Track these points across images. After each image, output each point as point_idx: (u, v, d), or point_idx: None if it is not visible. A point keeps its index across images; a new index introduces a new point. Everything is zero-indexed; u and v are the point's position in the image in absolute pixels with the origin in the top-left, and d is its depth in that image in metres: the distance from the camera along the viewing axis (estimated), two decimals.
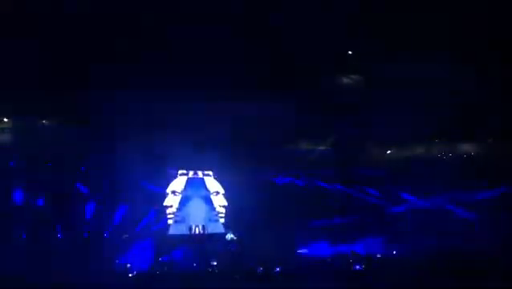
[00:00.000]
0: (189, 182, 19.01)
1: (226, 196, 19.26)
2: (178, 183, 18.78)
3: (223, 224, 19.01)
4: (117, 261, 14.46)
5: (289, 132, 18.62)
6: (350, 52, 16.18)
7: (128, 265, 14.17)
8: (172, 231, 18.12)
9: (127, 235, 15.79)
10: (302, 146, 20.50)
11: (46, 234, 14.45)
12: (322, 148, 20.52)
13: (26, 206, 14.59)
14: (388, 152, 21.64)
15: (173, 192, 18.58)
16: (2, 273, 10.81)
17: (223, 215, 19.14)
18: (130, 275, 13.74)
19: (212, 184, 19.35)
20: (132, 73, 13.51)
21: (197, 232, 18.51)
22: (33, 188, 14.76)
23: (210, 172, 19.42)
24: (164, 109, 15.44)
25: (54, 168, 15.13)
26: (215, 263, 15.71)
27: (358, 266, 15.42)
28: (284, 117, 17.10)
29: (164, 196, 18.20)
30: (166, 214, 18.14)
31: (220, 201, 19.29)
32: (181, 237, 18.06)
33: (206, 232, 18.66)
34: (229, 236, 18.38)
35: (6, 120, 15.29)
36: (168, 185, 18.20)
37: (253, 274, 13.34)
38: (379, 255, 16.85)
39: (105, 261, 13.87)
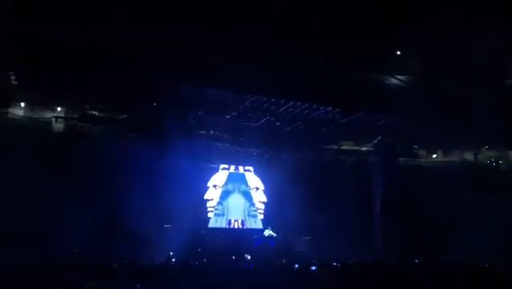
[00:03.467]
0: (230, 177, 19.32)
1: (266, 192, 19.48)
2: (219, 177, 19.11)
3: (262, 220, 19.20)
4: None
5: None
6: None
7: (171, 253, 14.55)
8: (211, 224, 18.48)
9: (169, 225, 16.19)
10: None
11: None
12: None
13: None
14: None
15: (214, 185, 18.89)
16: None
17: (262, 211, 19.32)
18: (173, 262, 14.09)
19: (252, 179, 19.57)
20: None
21: (235, 226, 18.79)
22: None
23: (251, 168, 19.62)
24: None
25: None
26: (249, 257, 15.83)
27: None
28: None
29: None
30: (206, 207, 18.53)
31: (259, 197, 19.46)
32: (221, 230, 18.43)
33: (245, 227, 18.91)
34: (268, 232, 18.50)
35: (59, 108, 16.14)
36: None
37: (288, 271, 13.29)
38: None
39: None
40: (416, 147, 20.68)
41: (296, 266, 13.32)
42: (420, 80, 16.29)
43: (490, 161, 20.60)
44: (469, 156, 20.56)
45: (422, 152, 21.02)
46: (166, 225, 16.19)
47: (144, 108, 16.36)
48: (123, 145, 15.53)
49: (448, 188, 17.32)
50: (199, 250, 16.44)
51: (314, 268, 12.65)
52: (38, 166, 13.37)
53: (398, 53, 16.09)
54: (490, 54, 14.74)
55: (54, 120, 15.92)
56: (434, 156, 21.20)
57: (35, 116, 15.83)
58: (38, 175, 13.21)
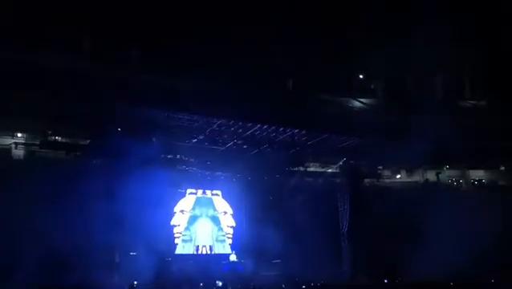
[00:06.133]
0: (198, 201, 19.06)
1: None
2: (186, 202, 18.82)
3: (230, 245, 18.96)
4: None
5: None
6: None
7: (135, 282, 14.12)
8: (179, 251, 18.10)
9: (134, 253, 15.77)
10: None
11: None
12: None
13: None
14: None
15: (181, 211, 18.56)
16: None
17: (230, 235, 19.09)
18: None
19: (220, 203, 19.38)
20: None
21: (203, 252, 18.45)
22: None
23: (219, 192, 19.44)
24: None
25: None
26: (220, 284, 15.57)
27: None
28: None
29: None
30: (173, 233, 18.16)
31: (228, 221, 19.26)
32: (188, 257, 18.06)
33: (213, 252, 18.60)
34: (233, 257, 18.29)
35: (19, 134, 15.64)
36: None
37: None
38: None
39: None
40: (380, 168, 21.12)
41: None
42: (382, 103, 16.79)
43: (451, 180, 21.26)
44: (431, 175, 21.15)
45: (386, 173, 21.48)
46: (132, 253, 15.75)
47: (108, 133, 16.06)
48: (86, 171, 15.14)
49: (412, 207, 17.68)
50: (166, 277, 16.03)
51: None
52: None
53: (360, 77, 16.62)
54: (448, 78, 15.45)
55: (14, 146, 15.39)
56: (398, 176, 21.69)
57: None
58: None
